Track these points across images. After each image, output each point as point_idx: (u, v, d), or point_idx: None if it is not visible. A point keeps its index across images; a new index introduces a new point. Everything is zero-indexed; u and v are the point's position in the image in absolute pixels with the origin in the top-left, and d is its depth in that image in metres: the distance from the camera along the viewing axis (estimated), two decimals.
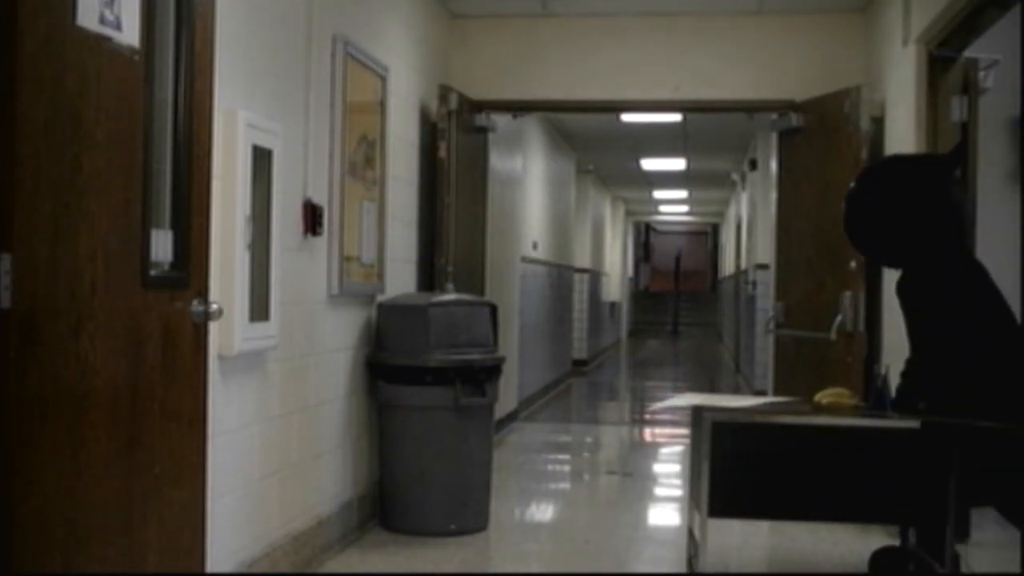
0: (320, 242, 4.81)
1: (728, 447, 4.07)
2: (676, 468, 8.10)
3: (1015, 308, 5.94)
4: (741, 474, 4.10)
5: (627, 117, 9.80)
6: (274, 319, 4.19)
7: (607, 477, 7.67)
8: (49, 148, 2.64)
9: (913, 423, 4.01)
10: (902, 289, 4.19)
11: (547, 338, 11.96)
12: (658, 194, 20.31)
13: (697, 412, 4.29)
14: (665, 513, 6.59)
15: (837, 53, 6.77)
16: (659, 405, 4.40)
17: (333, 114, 4.92)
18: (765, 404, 4.46)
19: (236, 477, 3.99)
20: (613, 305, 20.84)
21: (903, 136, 5.66)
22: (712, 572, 4.19)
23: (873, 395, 4.16)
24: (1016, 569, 4.70)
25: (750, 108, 7.22)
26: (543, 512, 6.37)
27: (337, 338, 5.09)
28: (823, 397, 4.32)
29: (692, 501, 4.37)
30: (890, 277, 5.91)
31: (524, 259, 10.14)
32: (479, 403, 5.35)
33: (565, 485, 7.46)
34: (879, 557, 4.32)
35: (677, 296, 29.69)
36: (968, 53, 5.32)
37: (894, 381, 4.21)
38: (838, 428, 4.14)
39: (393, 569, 4.78)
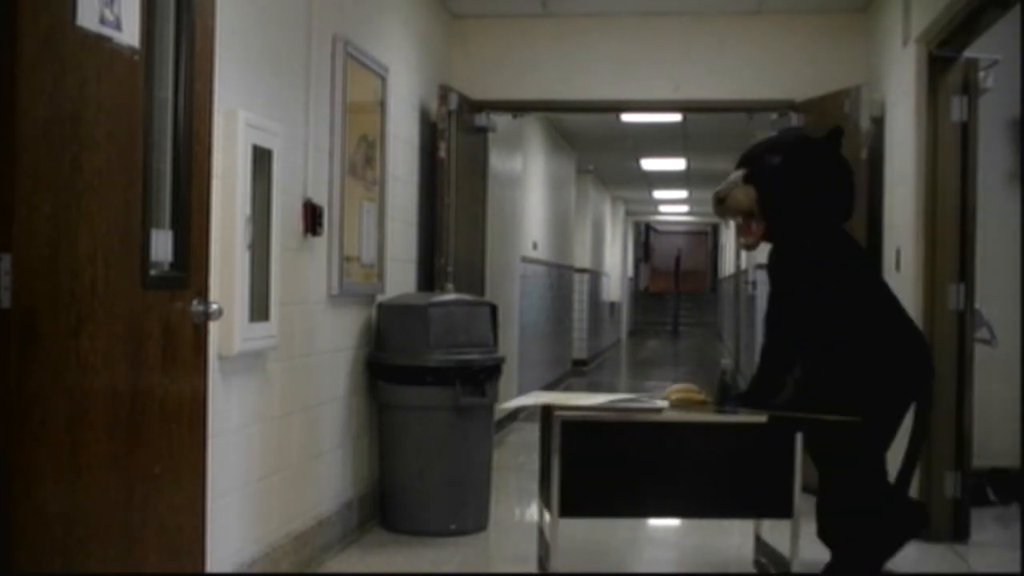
0: (320, 242, 4.81)
1: (578, 446, 4.05)
2: None
3: (1015, 308, 6.00)
4: (592, 473, 4.09)
5: (627, 117, 9.80)
6: (274, 319, 4.19)
7: None
8: (49, 148, 2.64)
9: (760, 417, 4.05)
10: (776, 265, 4.20)
11: (547, 338, 11.96)
12: (658, 194, 20.30)
13: (546, 411, 4.25)
14: None
15: (837, 53, 6.77)
16: (506, 405, 4.37)
17: (333, 114, 4.92)
18: (615, 401, 4.42)
19: (236, 477, 3.99)
20: (613, 305, 20.84)
21: (903, 136, 5.66)
22: (562, 572, 4.18)
23: (718, 391, 4.17)
24: (1017, 569, 4.71)
25: (750, 108, 7.21)
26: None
27: (337, 338, 5.09)
28: (672, 393, 4.31)
29: (542, 501, 4.34)
30: (890, 277, 5.92)
31: (524, 259, 10.14)
32: (479, 403, 5.35)
33: None
34: None
35: (677, 296, 29.68)
36: (968, 53, 5.32)
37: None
38: (685, 424, 4.14)
39: (393, 569, 4.78)
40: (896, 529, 4.07)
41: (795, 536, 4.06)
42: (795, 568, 4.10)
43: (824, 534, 4.04)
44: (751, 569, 4.72)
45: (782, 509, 4.10)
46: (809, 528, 4.09)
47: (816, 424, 3.95)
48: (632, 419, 4.18)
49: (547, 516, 4.15)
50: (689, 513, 4.47)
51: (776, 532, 4.49)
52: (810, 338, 4.05)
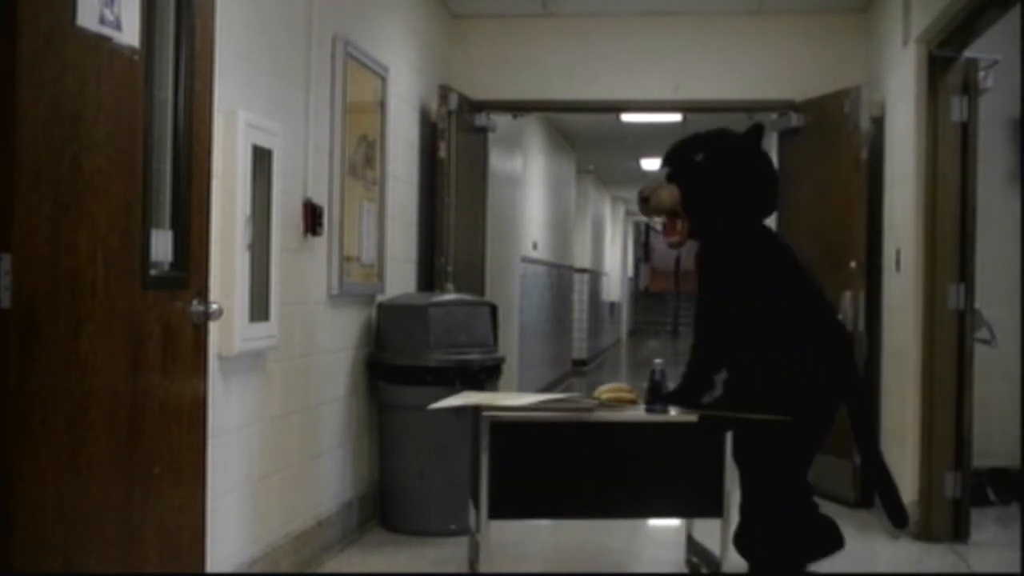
0: (320, 242, 4.81)
1: (507, 447, 4.01)
2: None
3: (1015, 308, 5.99)
4: (521, 474, 4.04)
5: (627, 117, 9.79)
6: (274, 319, 4.19)
7: None
8: (49, 148, 2.64)
9: (690, 417, 4.03)
10: (701, 262, 4.20)
11: (547, 338, 11.95)
12: None
13: (475, 412, 4.21)
14: None
15: (837, 53, 6.77)
16: (436, 406, 4.34)
17: (333, 114, 4.92)
18: (546, 401, 4.38)
19: (236, 477, 3.99)
20: (613, 305, 20.83)
21: (903, 136, 5.66)
22: (492, 573, 4.17)
23: (649, 390, 4.13)
24: (1017, 569, 4.71)
25: (750, 108, 7.20)
26: None
27: (337, 338, 5.09)
28: (603, 393, 4.28)
29: (472, 502, 4.30)
30: (890, 277, 5.93)
31: (524, 259, 10.14)
32: None
33: None
34: None
35: (677, 296, 29.63)
36: (968, 53, 5.33)
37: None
38: (615, 424, 4.11)
39: (393, 569, 4.78)
40: (808, 541, 4.05)
41: (725, 536, 4.03)
42: (725, 568, 4.07)
43: (737, 540, 4.04)
44: (684, 569, 4.70)
45: (712, 509, 4.07)
46: None
47: (744, 424, 3.95)
48: (560, 419, 4.13)
49: (477, 517, 4.09)
50: (620, 514, 4.39)
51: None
52: (735, 336, 4.04)
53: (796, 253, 4.18)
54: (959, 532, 5.35)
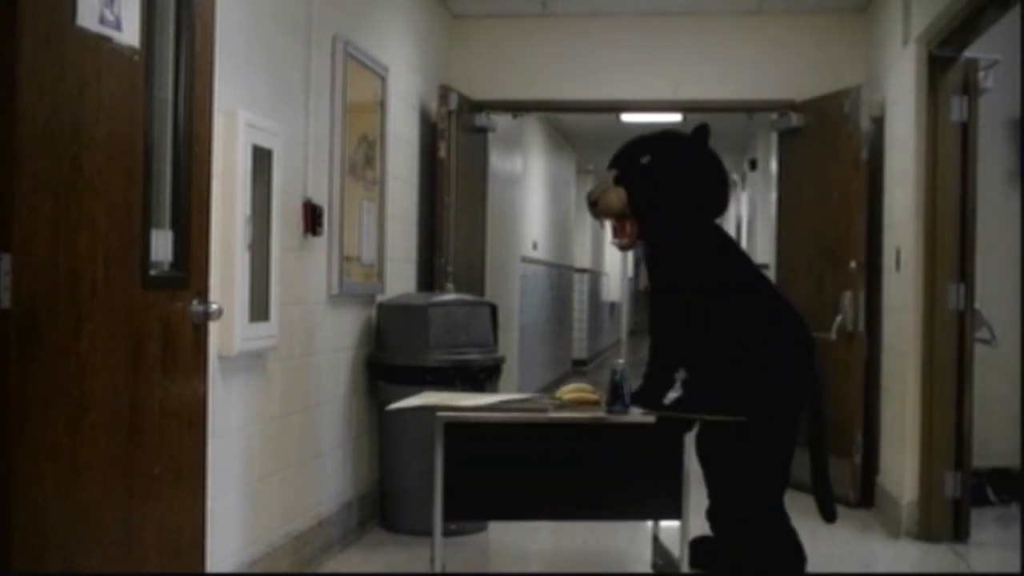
0: (320, 242, 4.81)
1: (464, 448, 3.96)
2: None
3: (1015, 308, 6.00)
4: (478, 475, 3.99)
5: (627, 117, 9.78)
6: (274, 319, 4.19)
7: None
8: (49, 148, 2.64)
9: (649, 418, 3.98)
10: (651, 264, 4.21)
11: (547, 338, 11.96)
12: None
13: (429, 412, 4.15)
14: None
15: (837, 53, 6.77)
16: (394, 406, 4.31)
17: (333, 114, 4.92)
18: (507, 402, 4.31)
19: (236, 477, 3.99)
20: (613, 305, 20.83)
21: (903, 136, 5.66)
22: (453, 572, 4.14)
23: (610, 391, 4.07)
24: (1017, 569, 4.71)
25: (750, 108, 7.21)
26: None
27: (337, 338, 5.09)
28: (566, 393, 4.22)
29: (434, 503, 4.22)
30: (890, 277, 5.93)
31: (524, 259, 10.14)
32: None
33: None
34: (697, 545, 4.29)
35: None
36: (968, 53, 5.32)
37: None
38: (573, 424, 4.04)
39: (393, 569, 4.78)
40: (772, 556, 4.05)
41: (684, 538, 3.97)
42: (684, 569, 4.03)
43: (697, 548, 4.07)
44: (649, 570, 4.69)
45: (672, 511, 4.00)
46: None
47: (705, 424, 3.95)
48: (512, 420, 4.07)
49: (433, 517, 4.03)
50: (577, 516, 4.29)
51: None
52: (687, 336, 4.05)
53: (746, 253, 4.22)
54: (959, 532, 5.35)
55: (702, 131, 4.17)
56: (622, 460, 4.01)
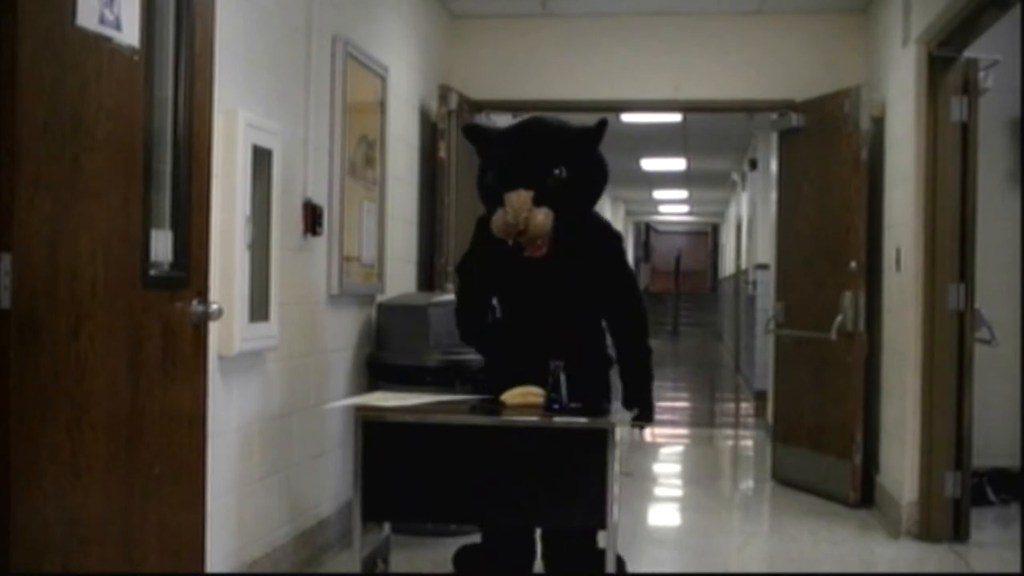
0: (320, 242, 4.81)
1: (387, 448, 3.86)
2: (676, 468, 8.11)
3: (1015, 308, 6.01)
4: (400, 477, 3.88)
5: (627, 117, 9.78)
6: (274, 319, 4.19)
7: None
8: (49, 148, 2.64)
9: (579, 422, 3.84)
10: (591, 256, 4.19)
11: None
12: (658, 194, 20.30)
13: (355, 411, 4.02)
14: (666, 513, 6.59)
15: (837, 53, 6.78)
16: (330, 406, 4.23)
17: (333, 114, 4.92)
18: (439, 403, 4.18)
19: (236, 477, 4.00)
20: None
21: (903, 136, 5.66)
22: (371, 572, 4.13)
23: (549, 391, 3.92)
24: (1017, 569, 4.71)
25: (750, 108, 7.21)
26: None
27: (337, 338, 5.09)
28: (511, 396, 4.06)
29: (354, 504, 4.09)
30: (890, 277, 5.93)
31: None
32: None
33: None
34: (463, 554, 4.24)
35: (677, 296, 29.66)
36: (968, 53, 5.32)
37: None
38: (500, 428, 3.91)
39: (393, 569, 4.78)
40: None
41: (612, 545, 3.76)
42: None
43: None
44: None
45: (596, 519, 3.78)
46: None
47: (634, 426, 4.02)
48: (433, 422, 3.94)
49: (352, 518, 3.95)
50: (500, 520, 4.06)
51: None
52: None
53: None
54: (959, 532, 5.35)
55: (603, 126, 4.21)
56: (545, 466, 3.82)
